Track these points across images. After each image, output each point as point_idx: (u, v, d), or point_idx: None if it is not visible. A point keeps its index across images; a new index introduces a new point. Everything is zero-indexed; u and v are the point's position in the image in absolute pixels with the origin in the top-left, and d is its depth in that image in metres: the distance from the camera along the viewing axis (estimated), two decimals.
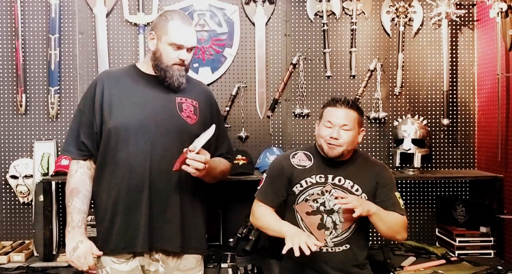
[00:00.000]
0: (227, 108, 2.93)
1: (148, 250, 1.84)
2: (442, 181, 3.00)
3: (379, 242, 2.95)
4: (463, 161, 3.02)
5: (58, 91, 2.88)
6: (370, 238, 2.89)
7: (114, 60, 2.92)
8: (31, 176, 2.80)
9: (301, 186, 1.99)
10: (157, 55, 1.90)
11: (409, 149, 2.74)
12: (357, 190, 1.97)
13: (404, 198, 2.99)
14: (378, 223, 1.89)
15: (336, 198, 1.87)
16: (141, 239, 1.81)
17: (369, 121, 2.99)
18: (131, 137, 1.84)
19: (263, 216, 2.00)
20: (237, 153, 2.77)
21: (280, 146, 2.96)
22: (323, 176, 1.98)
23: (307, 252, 1.71)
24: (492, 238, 2.71)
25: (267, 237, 2.56)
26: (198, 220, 1.95)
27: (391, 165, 2.93)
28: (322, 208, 1.96)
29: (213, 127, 1.83)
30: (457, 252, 2.71)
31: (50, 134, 2.90)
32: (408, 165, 2.81)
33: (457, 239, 2.72)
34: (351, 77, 2.98)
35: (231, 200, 2.86)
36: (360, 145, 2.98)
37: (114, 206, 1.84)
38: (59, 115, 2.90)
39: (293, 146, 2.95)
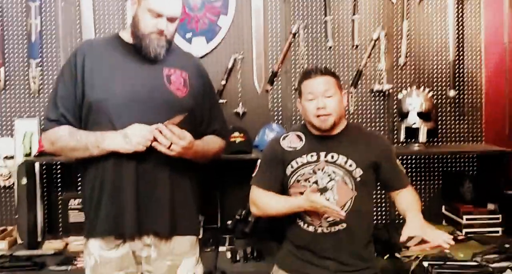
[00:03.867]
0: (223, 82, 2.78)
1: (137, 233, 1.76)
2: (449, 156, 2.90)
3: (384, 221, 2.84)
4: (470, 134, 2.90)
5: (40, 64, 2.75)
6: (374, 216, 2.79)
7: (100, 30, 2.76)
8: (12, 157, 2.69)
9: (292, 167, 1.91)
10: (135, 21, 1.80)
11: (414, 123, 2.61)
12: (351, 166, 1.86)
13: (409, 174, 2.88)
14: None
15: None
16: (129, 220, 1.73)
17: (372, 94, 2.85)
18: (115, 111, 1.74)
19: (267, 202, 1.92)
20: (234, 130, 2.64)
21: (280, 122, 2.82)
22: (314, 154, 1.89)
23: (342, 213, 1.74)
24: (499, 215, 2.63)
25: (267, 219, 2.44)
26: (190, 200, 1.87)
27: (395, 140, 2.81)
28: (315, 187, 1.86)
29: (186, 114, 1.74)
30: (464, 230, 2.62)
31: (32, 111, 2.76)
32: (413, 140, 2.68)
33: (464, 217, 2.64)
34: (354, 47, 2.83)
35: (229, 180, 2.74)
36: (364, 119, 2.87)
37: (100, 186, 1.76)
38: (41, 90, 2.77)
39: (293, 121, 2.82)
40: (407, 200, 1.93)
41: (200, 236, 2.37)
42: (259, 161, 2.01)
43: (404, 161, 2.88)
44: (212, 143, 1.93)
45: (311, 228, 1.87)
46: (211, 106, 1.96)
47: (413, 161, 2.90)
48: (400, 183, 1.96)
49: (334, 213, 1.74)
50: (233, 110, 2.79)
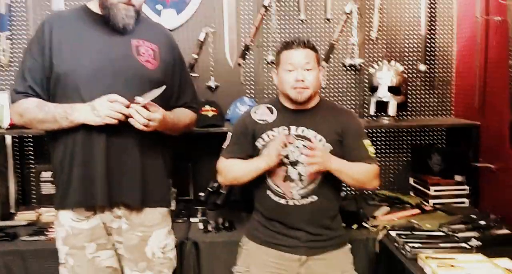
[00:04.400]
0: (195, 56, 2.75)
1: (108, 205, 1.77)
2: (418, 129, 2.94)
3: (353, 192, 2.89)
4: (440, 108, 2.94)
5: (10, 37, 2.68)
6: (343, 188, 2.84)
7: (70, 2, 2.70)
8: None
9: (264, 140, 1.92)
10: None
11: (384, 97, 2.64)
12: (320, 140, 1.88)
13: (379, 147, 2.93)
14: (342, 177, 1.87)
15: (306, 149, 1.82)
16: (99, 192, 1.73)
17: (344, 68, 2.86)
18: (83, 84, 1.72)
19: (231, 169, 1.94)
20: (206, 104, 2.63)
21: (252, 95, 2.82)
22: (285, 127, 1.90)
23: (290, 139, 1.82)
24: (467, 187, 2.70)
25: (239, 190, 2.48)
26: (161, 172, 1.88)
27: (366, 113, 2.84)
28: (286, 160, 1.89)
29: (163, 87, 1.73)
30: (431, 201, 2.68)
31: (2, 84, 2.71)
32: (383, 113, 2.71)
33: (432, 188, 2.69)
34: (326, 21, 2.82)
35: (201, 153, 2.75)
36: (335, 93, 2.88)
37: (70, 158, 1.74)
38: (11, 63, 2.71)
39: (265, 95, 2.82)
40: (359, 164, 1.89)
41: (173, 208, 2.40)
42: (229, 133, 2.02)
43: (374, 134, 2.92)
44: (183, 115, 1.93)
45: (282, 201, 1.90)
46: (182, 80, 1.95)
47: (383, 135, 2.94)
48: (362, 159, 1.92)
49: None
50: (205, 84, 2.78)
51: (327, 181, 1.89)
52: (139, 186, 1.79)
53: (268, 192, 1.92)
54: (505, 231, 2.14)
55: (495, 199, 2.50)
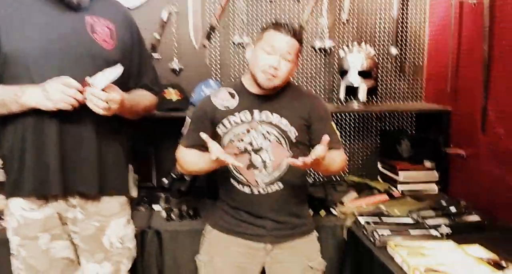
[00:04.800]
0: (157, 36, 2.61)
1: (62, 193, 1.67)
2: (387, 114, 2.89)
3: (320, 178, 2.83)
4: (410, 93, 2.89)
5: None
6: (311, 174, 2.77)
7: None
8: None
9: (225, 127, 1.81)
10: None
11: (355, 82, 2.56)
12: (285, 125, 1.79)
13: (347, 132, 2.88)
14: (316, 169, 1.82)
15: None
16: (53, 180, 1.63)
17: (314, 51, 2.77)
18: (33, 63, 1.60)
19: (187, 160, 1.83)
20: (170, 87, 2.52)
21: (218, 78, 2.70)
22: (248, 112, 1.80)
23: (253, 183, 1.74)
24: (436, 173, 2.67)
25: (204, 177, 2.37)
26: (119, 158, 1.79)
27: (335, 98, 2.78)
28: (249, 147, 1.79)
29: (119, 66, 1.61)
30: (400, 187, 2.64)
31: None
32: (353, 98, 2.64)
33: (401, 174, 2.66)
34: (296, 1, 2.71)
35: (164, 137, 2.63)
36: (304, 77, 2.80)
37: (21, 144, 1.64)
38: None
39: (232, 78, 2.71)
40: (331, 153, 1.80)
41: (135, 195, 2.29)
42: (187, 119, 1.91)
43: (343, 120, 2.86)
44: (142, 98, 1.83)
45: (247, 190, 1.82)
46: (141, 60, 1.85)
47: (352, 119, 2.88)
48: (330, 144, 1.82)
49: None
50: (168, 66, 2.65)
51: (294, 167, 1.80)
52: (95, 173, 1.69)
53: (232, 181, 1.83)
54: (475, 218, 2.11)
55: (465, 186, 2.48)
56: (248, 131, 1.78)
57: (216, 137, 1.81)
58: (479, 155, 2.34)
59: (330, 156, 1.71)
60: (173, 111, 2.42)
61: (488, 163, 2.26)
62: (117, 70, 1.59)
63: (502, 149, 2.16)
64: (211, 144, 1.63)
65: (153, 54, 2.59)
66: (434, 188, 2.66)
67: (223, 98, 1.82)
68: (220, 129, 1.81)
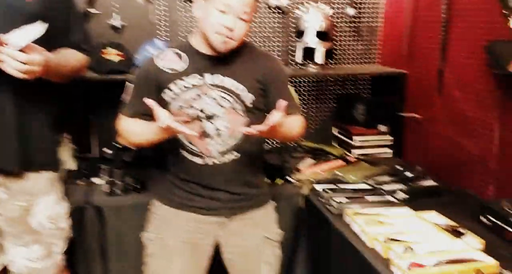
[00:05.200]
0: None
1: None
2: (343, 78, 2.81)
3: (276, 145, 2.73)
4: (366, 56, 2.82)
5: None
6: (267, 141, 2.67)
7: None
8: None
9: (172, 92, 1.64)
10: None
11: (312, 43, 2.44)
12: (239, 89, 1.65)
13: (304, 96, 2.78)
14: (273, 137, 1.72)
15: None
16: None
17: (269, 10, 2.61)
18: None
19: (131, 130, 1.67)
20: (110, 46, 2.29)
21: (165, 37, 2.50)
22: (198, 76, 1.62)
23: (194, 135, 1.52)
24: (390, 137, 2.64)
25: (151, 146, 2.20)
26: (45, 129, 1.61)
27: (291, 61, 2.65)
28: (201, 114, 1.64)
29: (41, 23, 1.40)
30: (354, 152, 2.61)
31: None
32: (309, 61, 2.52)
33: (355, 139, 2.62)
34: None
35: (106, 103, 2.39)
36: (259, 38, 2.65)
37: None
38: None
39: (181, 38, 2.51)
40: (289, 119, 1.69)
41: (73, 168, 2.09)
42: (129, 84, 1.71)
43: (299, 84, 2.76)
44: (69, 57, 1.63)
45: (199, 160, 1.67)
46: (68, 15, 1.64)
47: (308, 83, 2.78)
48: (289, 109, 1.70)
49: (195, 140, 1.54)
50: (108, 22, 2.41)
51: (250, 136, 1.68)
52: (16, 147, 1.51)
53: (182, 151, 1.68)
54: (431, 183, 2.09)
55: (420, 150, 2.46)
56: (199, 96, 1.63)
57: (162, 104, 1.64)
58: (435, 118, 2.30)
59: (288, 122, 1.59)
60: (114, 74, 2.21)
61: (444, 126, 2.24)
62: (38, 28, 1.38)
63: (458, 112, 2.13)
64: (159, 110, 1.46)
65: (89, 9, 2.35)
66: (388, 153, 2.64)
67: (169, 60, 1.64)
68: (167, 95, 1.64)
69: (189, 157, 1.67)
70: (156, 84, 1.63)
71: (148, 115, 1.54)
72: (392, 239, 1.55)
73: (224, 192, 1.70)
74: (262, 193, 1.82)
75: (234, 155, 1.68)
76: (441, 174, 2.19)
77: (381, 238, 1.56)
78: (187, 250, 1.71)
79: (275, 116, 1.45)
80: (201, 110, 1.63)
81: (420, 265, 1.36)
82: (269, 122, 1.44)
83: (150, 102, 1.46)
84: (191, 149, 1.66)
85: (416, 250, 1.48)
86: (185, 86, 1.62)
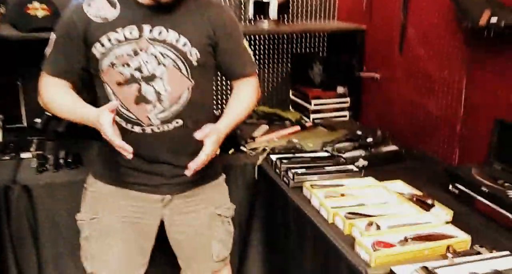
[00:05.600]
0: None
1: None
2: (299, 35, 2.63)
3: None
4: (323, 11, 2.62)
5: None
6: (215, 104, 2.47)
7: None
8: None
9: (103, 46, 1.38)
10: None
11: None
12: (185, 45, 1.41)
13: (256, 57, 2.57)
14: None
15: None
16: None
17: None
18: None
19: (54, 99, 1.43)
20: (36, 1, 2.01)
21: None
22: (135, 28, 1.38)
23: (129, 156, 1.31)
24: (348, 99, 2.52)
25: None
26: None
27: (243, 16, 2.44)
28: (138, 75, 1.40)
29: None
30: (312, 116, 2.47)
31: None
32: (262, 16, 2.31)
33: (313, 102, 2.47)
34: None
35: (33, 66, 2.10)
36: None
37: None
38: None
39: None
40: (238, 98, 1.54)
41: None
42: (52, 36, 1.45)
43: (252, 42, 2.56)
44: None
45: (137, 128, 1.44)
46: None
47: (261, 42, 2.58)
48: (243, 69, 1.55)
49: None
50: None
51: (196, 100, 1.46)
52: None
53: (117, 119, 1.44)
54: (392, 148, 1.96)
55: (380, 112, 2.34)
56: (136, 53, 1.38)
57: (91, 60, 1.40)
58: (396, 78, 2.18)
59: (240, 109, 1.49)
60: (40, 32, 1.92)
61: (406, 86, 2.11)
62: None
63: (421, 71, 2.00)
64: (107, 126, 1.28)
65: None
66: (347, 116, 2.53)
67: (99, 7, 1.38)
68: (96, 50, 1.38)
69: (125, 125, 1.44)
70: (84, 36, 1.38)
71: (72, 73, 1.33)
72: (354, 213, 1.41)
73: (167, 165, 1.49)
74: (212, 165, 1.62)
75: (178, 122, 1.46)
76: (403, 137, 2.07)
77: (343, 212, 1.41)
78: (127, 231, 1.52)
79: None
80: (138, 70, 1.39)
81: (387, 244, 1.23)
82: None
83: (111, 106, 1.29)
84: (127, 115, 1.43)
85: (381, 225, 1.34)
86: (118, 40, 1.37)
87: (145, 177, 1.49)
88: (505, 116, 1.61)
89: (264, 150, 2.02)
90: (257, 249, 1.99)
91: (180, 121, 1.46)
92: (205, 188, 1.58)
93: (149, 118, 1.43)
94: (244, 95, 1.53)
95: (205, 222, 1.58)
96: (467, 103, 1.79)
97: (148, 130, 1.44)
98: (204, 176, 1.56)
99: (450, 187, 1.60)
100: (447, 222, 1.38)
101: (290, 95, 2.66)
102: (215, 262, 1.61)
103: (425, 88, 1.99)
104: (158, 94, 1.42)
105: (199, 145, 1.54)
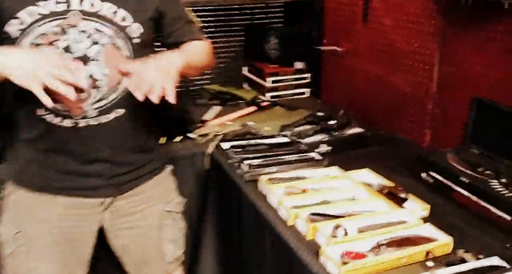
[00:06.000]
0: None
1: None
2: (253, 6, 2.42)
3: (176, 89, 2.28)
4: None
5: None
6: None
7: None
8: None
9: (22, 23, 1.13)
10: None
11: None
12: (123, 19, 1.18)
13: (206, 30, 2.29)
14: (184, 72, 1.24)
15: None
16: None
17: None
18: None
19: None
20: None
21: None
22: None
23: (71, 97, 1.03)
24: (308, 75, 2.35)
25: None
26: None
27: None
28: (67, 57, 1.15)
29: None
30: (268, 94, 2.29)
31: None
32: None
33: (269, 80, 2.28)
34: None
35: None
36: None
37: None
38: None
39: None
40: (189, 45, 1.33)
41: None
42: None
43: (199, 14, 2.28)
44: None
45: (68, 122, 1.19)
46: None
47: (210, 13, 2.35)
48: (193, 36, 1.35)
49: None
50: None
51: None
52: None
53: (40, 111, 1.19)
54: (357, 130, 1.77)
55: (343, 90, 2.16)
56: (63, 30, 1.14)
57: (5, 41, 1.14)
58: (359, 51, 2.01)
59: (189, 50, 1.28)
60: None
61: (371, 61, 1.94)
62: None
63: (387, 44, 1.82)
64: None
65: None
66: (306, 93, 2.37)
67: None
68: (12, 28, 1.13)
69: (51, 118, 1.19)
70: None
71: None
72: (318, 214, 1.21)
73: (106, 164, 1.26)
74: (156, 158, 1.40)
75: (118, 112, 1.23)
76: (369, 118, 1.89)
77: (305, 213, 1.21)
78: (60, 244, 1.28)
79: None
80: (67, 50, 1.15)
81: (357, 255, 1.03)
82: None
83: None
84: (55, 108, 1.17)
85: (349, 228, 1.15)
86: (41, 14, 1.12)
87: (78, 180, 1.25)
88: (484, 95, 1.44)
89: (215, 135, 1.80)
90: (210, 246, 1.78)
91: (121, 111, 1.24)
92: (150, 184, 1.37)
93: (83, 109, 1.18)
94: (197, 44, 1.34)
95: (154, 221, 1.38)
96: (441, 80, 1.61)
97: (82, 123, 1.20)
98: (149, 170, 1.36)
99: (424, 175, 1.42)
100: (424, 219, 1.20)
101: (244, 72, 2.45)
102: (168, 263, 1.42)
103: (392, 63, 1.81)
104: (93, 79, 1.18)
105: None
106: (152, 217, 1.37)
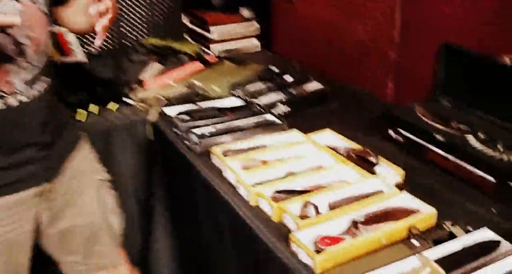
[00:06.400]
0: None
1: None
2: None
3: (107, 45, 2.01)
4: None
5: None
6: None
7: None
8: None
9: None
10: None
11: None
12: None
13: None
14: None
15: None
16: None
17: None
18: None
19: None
20: None
21: None
22: None
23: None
24: (256, 24, 2.13)
25: None
26: None
27: None
28: None
29: None
30: (214, 47, 2.08)
31: None
32: None
33: (213, 30, 2.07)
34: None
35: None
36: None
37: None
38: None
39: None
40: None
41: None
42: None
43: None
44: None
45: None
46: None
47: None
48: None
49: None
50: None
51: None
52: None
53: None
54: (316, 85, 1.61)
55: (295, 39, 1.96)
56: None
57: None
58: None
59: None
60: None
61: (326, 7, 1.75)
62: None
63: None
64: None
65: None
66: (256, 45, 2.15)
67: None
68: None
69: None
70: None
71: None
72: (283, 191, 1.06)
73: (36, 146, 1.05)
74: (71, 127, 1.22)
75: (46, 81, 1.03)
76: (325, 70, 1.73)
77: (269, 191, 1.05)
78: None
79: None
80: None
81: (333, 239, 0.89)
82: None
83: None
84: None
85: (320, 204, 1.00)
86: None
87: (7, 174, 1.03)
88: (453, 40, 1.29)
89: (157, 99, 1.58)
90: (161, 222, 1.60)
91: (48, 79, 1.04)
92: (80, 157, 1.18)
93: (13, 84, 0.96)
94: None
95: (94, 195, 1.21)
96: (403, 25, 1.44)
97: (13, 102, 0.98)
98: (69, 142, 1.17)
99: (392, 132, 1.29)
100: (398, 186, 1.07)
101: (185, 21, 2.19)
102: (120, 236, 1.26)
103: (350, 8, 1.62)
104: (17, 45, 0.95)
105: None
106: (90, 192, 1.20)
